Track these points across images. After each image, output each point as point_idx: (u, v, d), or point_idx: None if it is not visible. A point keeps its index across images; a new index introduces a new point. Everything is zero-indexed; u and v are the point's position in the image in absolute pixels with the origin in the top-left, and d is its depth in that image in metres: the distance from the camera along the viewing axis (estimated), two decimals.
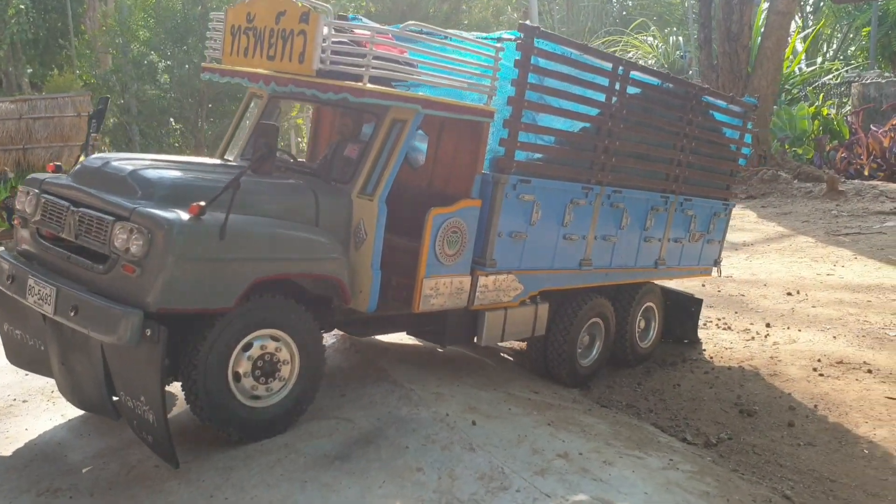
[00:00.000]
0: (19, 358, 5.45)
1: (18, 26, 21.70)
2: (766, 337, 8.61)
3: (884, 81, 22.52)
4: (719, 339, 8.63)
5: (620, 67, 6.60)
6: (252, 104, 6.34)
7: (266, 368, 4.83)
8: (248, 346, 4.77)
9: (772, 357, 7.93)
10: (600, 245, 6.89)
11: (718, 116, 8.00)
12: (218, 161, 5.99)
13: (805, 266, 11.84)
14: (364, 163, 5.38)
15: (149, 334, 4.23)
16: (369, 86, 5.09)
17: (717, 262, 8.57)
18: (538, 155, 6.19)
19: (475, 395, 5.85)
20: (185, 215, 4.40)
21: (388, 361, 6.28)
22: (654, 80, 7.08)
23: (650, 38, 32.90)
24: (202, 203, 4.41)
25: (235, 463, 4.61)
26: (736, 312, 9.63)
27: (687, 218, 7.84)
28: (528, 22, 5.45)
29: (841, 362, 7.65)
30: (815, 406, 6.76)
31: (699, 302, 8.57)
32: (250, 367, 4.78)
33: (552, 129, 6.25)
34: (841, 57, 30.67)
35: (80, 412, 5.40)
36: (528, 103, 5.93)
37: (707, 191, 8.06)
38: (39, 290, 4.61)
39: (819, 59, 29.85)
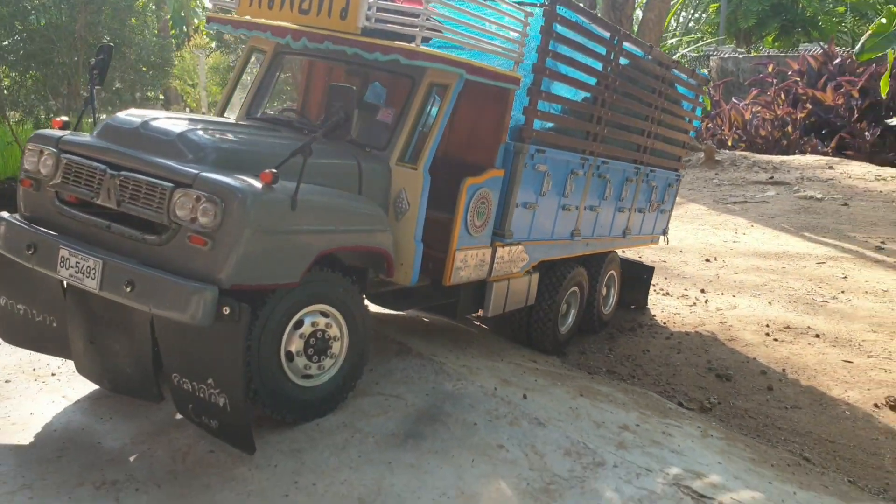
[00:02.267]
0: (19, 335, 4.89)
1: None
2: (706, 303, 8.99)
3: (741, 57, 23.83)
4: (664, 305, 8.93)
5: (617, 38, 6.63)
6: (252, 59, 5.93)
7: (318, 346, 4.57)
8: (299, 324, 4.50)
9: (721, 322, 8.30)
10: (587, 216, 6.95)
11: (680, 89, 8.21)
12: (260, 122, 5.53)
13: (710, 233, 12.43)
14: (402, 129, 5.15)
15: (226, 312, 3.91)
16: (422, 47, 4.87)
17: (665, 231, 8.85)
18: (549, 125, 6.14)
19: (494, 366, 5.80)
20: (257, 183, 4.06)
21: (397, 332, 6.10)
22: (639, 52, 7.16)
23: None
24: (274, 171, 4.09)
25: (300, 445, 4.36)
26: (665, 278, 9.99)
27: (650, 188, 8.03)
28: None
29: (788, 327, 8.11)
30: (784, 370, 7.13)
31: (651, 270, 8.84)
32: (302, 346, 4.51)
33: (563, 98, 6.21)
34: (684, 30, 32.16)
35: (83, 392, 4.96)
36: (548, 71, 5.87)
37: (666, 162, 8.27)
38: (78, 263, 4.13)
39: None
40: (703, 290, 9.42)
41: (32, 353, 5.54)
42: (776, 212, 13.81)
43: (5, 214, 4.58)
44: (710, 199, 14.80)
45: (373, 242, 4.77)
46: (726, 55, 24.04)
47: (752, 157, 17.78)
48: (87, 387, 5.06)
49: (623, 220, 7.67)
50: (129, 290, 3.97)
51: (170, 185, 4.03)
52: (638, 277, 8.75)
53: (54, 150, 4.44)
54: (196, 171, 4.03)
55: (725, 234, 12.28)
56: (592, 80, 6.51)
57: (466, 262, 5.52)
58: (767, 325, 8.16)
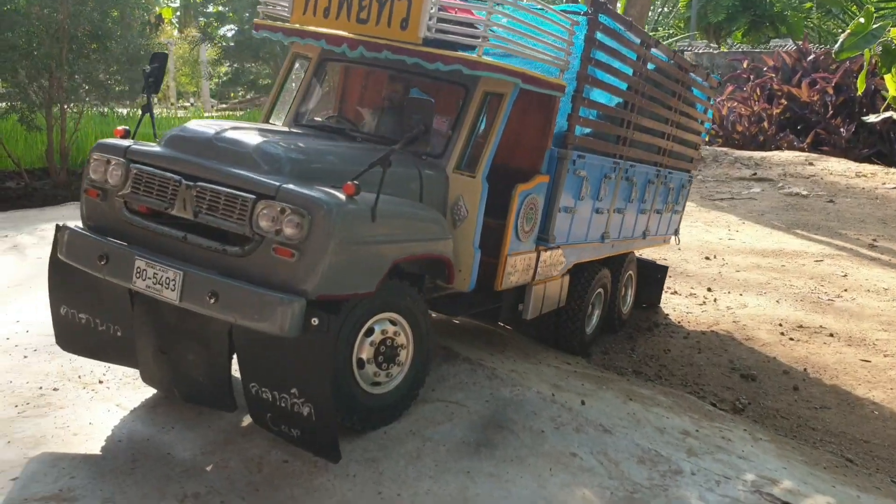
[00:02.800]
0: (79, 344, 4.83)
1: None
2: (715, 301, 9.13)
3: (715, 52, 24.10)
4: (674, 304, 9.05)
5: (647, 43, 6.71)
6: (296, 65, 5.89)
7: (387, 353, 4.59)
8: (369, 332, 4.51)
9: (735, 322, 8.44)
10: (615, 218, 7.03)
11: (695, 92, 8.31)
12: (312, 130, 5.50)
13: (703, 231, 12.60)
14: (458, 136, 5.17)
15: (315, 324, 3.91)
16: (484, 58, 4.90)
17: (677, 231, 8.97)
18: (588, 130, 6.20)
19: (538, 370, 5.85)
20: (340, 195, 4.06)
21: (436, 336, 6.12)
22: (665, 57, 7.25)
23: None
24: (356, 182, 4.09)
25: (374, 454, 4.37)
26: (670, 277, 10.10)
27: (667, 190, 8.13)
28: None
29: (801, 326, 8.27)
30: (805, 370, 7.28)
31: (665, 269, 8.95)
32: (372, 353, 4.53)
33: (600, 104, 6.27)
34: (653, 26, 32.47)
35: (136, 400, 4.92)
36: (590, 78, 5.92)
37: (681, 164, 8.38)
38: (156, 274, 4.10)
39: None
40: (709, 289, 9.56)
41: (73, 359, 5.49)
42: (764, 208, 14.03)
43: (70, 224, 4.52)
44: (698, 196, 15.00)
45: (438, 250, 4.79)
46: (700, 51, 24.34)
47: (734, 153, 18.04)
48: (139, 394, 5.03)
49: (644, 222, 7.77)
50: (212, 301, 3.94)
51: (251, 196, 4.01)
52: (652, 277, 8.85)
53: (123, 160, 4.39)
54: (278, 184, 4.02)
55: (719, 232, 12.45)
56: (624, 86, 6.58)
57: (516, 267, 5.56)
58: (780, 325, 8.31)
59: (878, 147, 20.07)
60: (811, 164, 17.24)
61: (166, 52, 5.56)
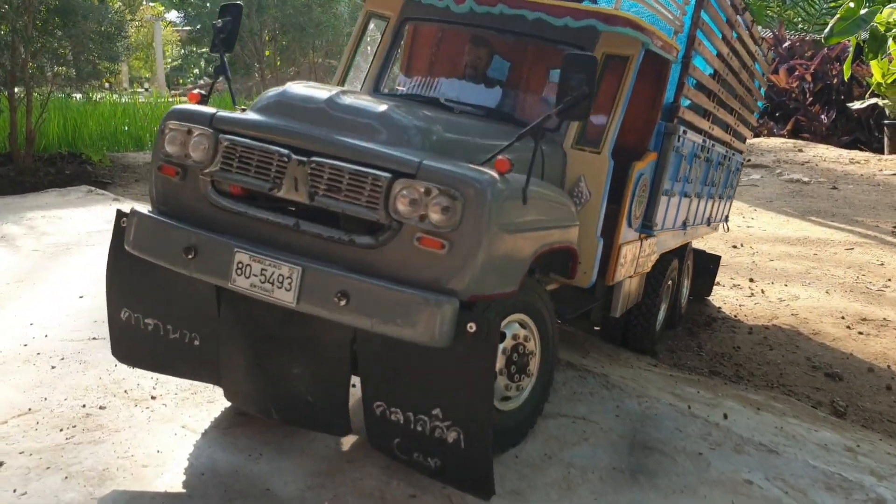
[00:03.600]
0: (142, 355, 3.95)
1: None
2: (762, 293, 8.57)
3: None
4: (723, 296, 8.47)
5: (737, 7, 6.08)
6: (371, 25, 5.07)
7: (519, 362, 3.84)
8: (500, 338, 3.75)
9: (794, 315, 7.87)
10: (695, 203, 6.39)
11: (757, 67, 7.71)
12: (402, 99, 4.70)
13: None
14: None
15: (472, 330, 3.15)
16: (622, 12, 4.17)
17: (726, 218, 8.37)
18: (687, 102, 5.51)
19: (641, 374, 5.18)
20: (493, 173, 3.30)
21: None
22: (746, 25, 6.60)
23: None
24: (509, 157, 3.34)
25: (515, 485, 3.62)
26: None
27: (729, 172, 7.53)
28: None
29: (864, 319, 7.75)
30: (889, 367, 6.74)
31: (718, 259, 8.34)
32: (504, 363, 3.78)
33: (700, 73, 5.58)
34: None
35: (204, 421, 4.11)
36: (699, 43, 5.24)
37: (739, 144, 7.78)
38: (265, 271, 3.29)
39: None
40: (751, 280, 9.00)
41: (111, 368, 4.66)
42: (770, 195, 13.59)
43: (138, 208, 3.66)
44: None
45: (568, 239, 4.05)
46: None
47: None
48: (204, 412, 4.22)
49: (711, 207, 7.15)
50: (342, 303, 3.15)
51: (386, 175, 3.22)
52: (704, 267, 8.24)
53: (209, 129, 3.54)
54: (419, 160, 3.24)
55: (735, 219, 11.91)
56: (715, 52, 5.92)
57: (626, 258, 4.86)
58: (843, 318, 7.77)
59: (856, 134, 19.91)
60: (801, 150, 16.89)
61: (239, 2, 4.71)
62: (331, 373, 3.50)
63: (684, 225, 6.18)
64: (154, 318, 3.82)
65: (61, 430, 3.95)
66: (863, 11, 17.28)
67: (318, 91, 3.65)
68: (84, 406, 4.23)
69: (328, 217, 3.42)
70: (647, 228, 5.13)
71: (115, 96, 19.30)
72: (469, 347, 3.16)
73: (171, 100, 19.58)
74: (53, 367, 4.66)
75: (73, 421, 4.05)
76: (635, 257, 5.04)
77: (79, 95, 15.82)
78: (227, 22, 4.13)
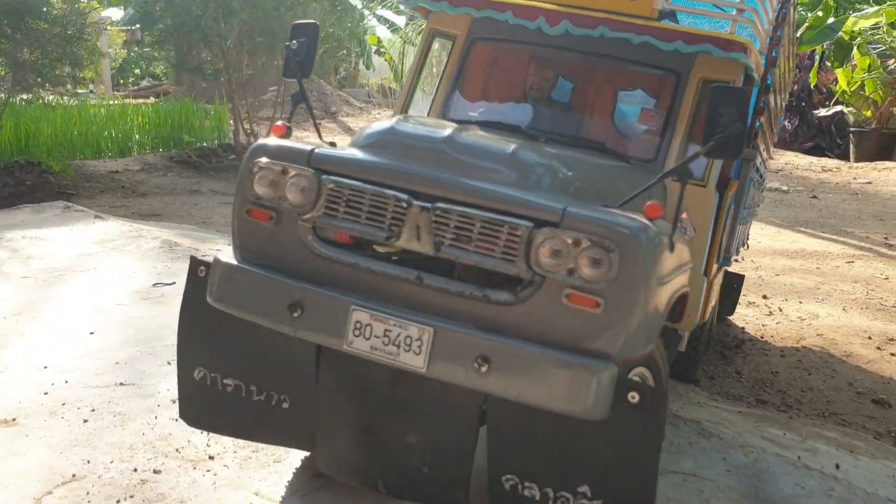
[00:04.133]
0: (218, 418, 3.45)
1: None
2: (780, 311, 8.36)
3: None
4: (742, 315, 8.22)
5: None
6: (435, 45, 4.62)
7: None
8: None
9: (819, 335, 7.66)
10: (743, 227, 6.09)
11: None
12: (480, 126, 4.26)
13: None
14: (674, 136, 4.11)
15: (635, 401, 2.76)
16: (736, 35, 3.83)
17: (747, 237, 8.11)
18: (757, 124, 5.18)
19: (717, 413, 4.85)
20: (644, 220, 2.92)
21: None
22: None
23: None
24: (659, 203, 2.97)
25: None
26: None
27: (760, 188, 7.26)
28: None
29: (892, 339, 7.57)
30: None
31: (741, 278, 8.05)
32: None
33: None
34: None
35: (276, 486, 3.65)
36: (775, 62, 4.91)
37: (767, 159, 7.53)
38: (388, 332, 2.85)
39: None
40: (765, 297, 8.78)
41: (153, 422, 4.20)
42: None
43: (224, 258, 3.17)
44: None
45: (687, 283, 3.68)
46: None
47: None
48: (273, 474, 3.80)
49: (748, 228, 6.87)
50: (483, 369, 2.74)
51: (527, 224, 2.81)
52: (730, 287, 7.96)
53: (309, 169, 3.08)
54: (563, 206, 2.84)
55: None
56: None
57: (712, 292, 4.53)
58: (870, 338, 7.59)
59: (817, 140, 20.11)
60: (771, 158, 16.87)
61: (315, 21, 4.23)
62: (454, 441, 3.08)
63: (737, 251, 5.88)
64: (235, 378, 3.34)
65: (117, 501, 3.46)
66: (830, 21, 17.37)
67: (433, 128, 3.23)
68: (136, 470, 3.74)
69: (443, 270, 3.01)
70: (726, 260, 4.80)
71: (65, 98, 18.39)
72: (630, 419, 2.77)
73: (125, 102, 18.71)
74: (85, 421, 4.15)
75: (129, 490, 3.56)
76: (714, 290, 4.72)
77: (50, 98, 14.92)
78: (302, 43, 3.66)
